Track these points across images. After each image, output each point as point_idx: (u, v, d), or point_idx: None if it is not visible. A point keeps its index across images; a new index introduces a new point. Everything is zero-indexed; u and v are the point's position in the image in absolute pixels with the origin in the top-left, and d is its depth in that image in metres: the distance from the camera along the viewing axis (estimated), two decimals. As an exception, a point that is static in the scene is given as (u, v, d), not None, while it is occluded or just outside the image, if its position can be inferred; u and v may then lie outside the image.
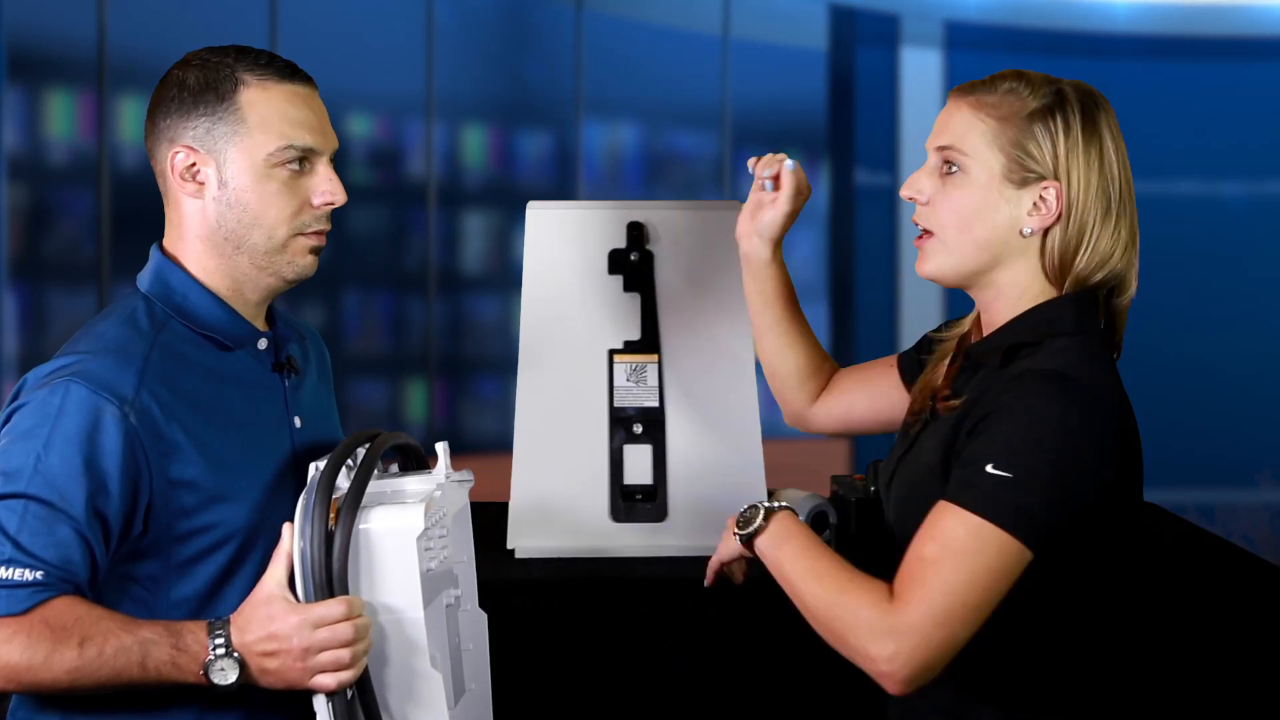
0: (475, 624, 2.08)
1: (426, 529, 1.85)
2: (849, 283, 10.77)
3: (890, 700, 1.97)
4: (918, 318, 10.88)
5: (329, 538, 1.80)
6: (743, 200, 2.31)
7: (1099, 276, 1.91)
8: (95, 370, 1.85)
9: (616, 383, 2.62)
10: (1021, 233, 1.90)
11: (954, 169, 1.91)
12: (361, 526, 1.83)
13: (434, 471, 1.98)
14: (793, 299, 2.31)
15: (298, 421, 2.00)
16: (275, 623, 1.79)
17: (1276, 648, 2.37)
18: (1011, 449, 1.77)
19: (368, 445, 1.91)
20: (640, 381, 2.62)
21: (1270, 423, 10.61)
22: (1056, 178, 1.89)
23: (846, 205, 10.79)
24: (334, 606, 1.79)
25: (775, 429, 2.61)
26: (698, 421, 2.63)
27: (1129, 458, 1.84)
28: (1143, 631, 1.95)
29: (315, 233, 1.96)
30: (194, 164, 1.94)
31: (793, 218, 2.26)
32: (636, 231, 2.64)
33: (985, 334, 1.96)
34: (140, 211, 7.36)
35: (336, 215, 2.00)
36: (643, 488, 2.61)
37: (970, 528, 1.76)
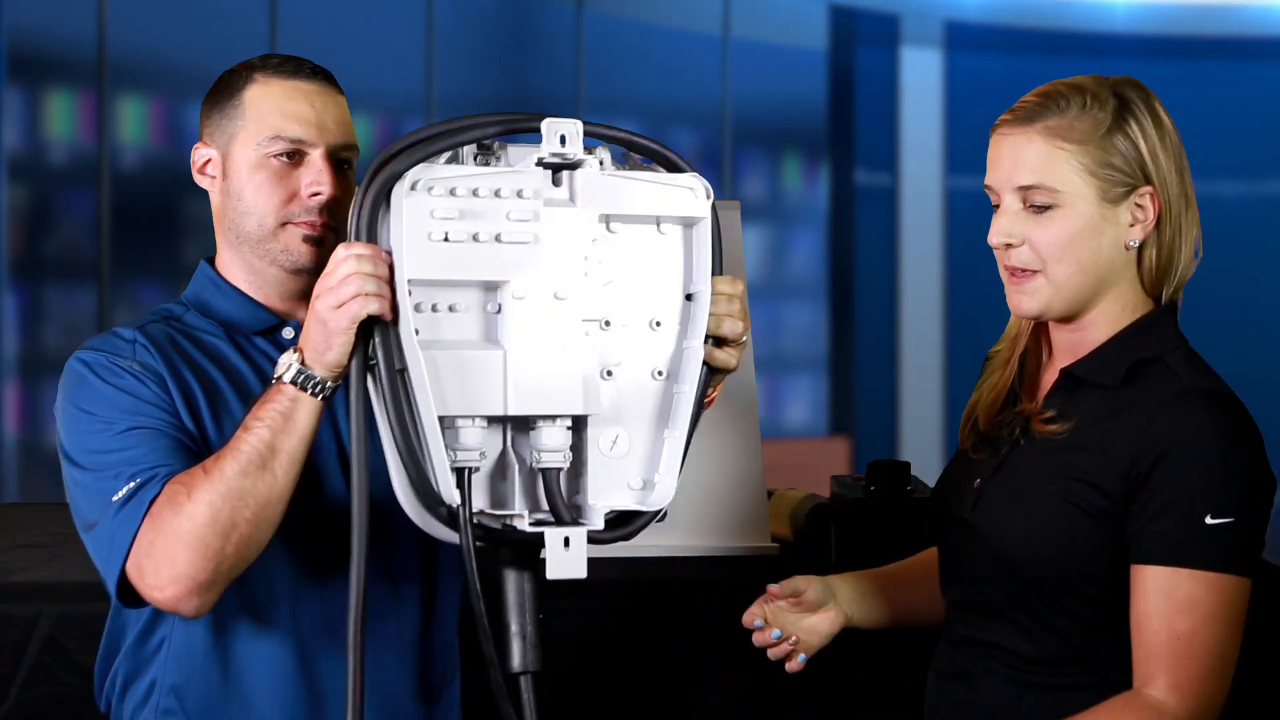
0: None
1: (450, 192, 1.71)
2: (849, 283, 10.76)
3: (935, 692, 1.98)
4: (918, 318, 10.88)
5: (374, 219, 1.72)
6: (742, 200, 2.31)
7: (1189, 275, 1.88)
8: (94, 344, 1.97)
9: (616, 383, 2.62)
10: (1127, 247, 1.84)
11: (1044, 204, 1.82)
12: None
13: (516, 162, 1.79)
14: (886, 579, 2.14)
15: None
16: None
17: (1277, 647, 2.36)
18: (1221, 491, 1.75)
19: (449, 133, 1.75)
20: (640, 381, 2.61)
21: (1270, 423, 10.61)
22: (1149, 181, 1.83)
23: (846, 205, 10.79)
24: (336, 252, 1.75)
25: (775, 429, 2.61)
26: (698, 421, 2.63)
27: None
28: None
29: (306, 222, 1.98)
30: (208, 159, 2.02)
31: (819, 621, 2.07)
32: (636, 231, 2.63)
33: (1078, 354, 1.89)
34: (140, 211, 7.35)
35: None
36: (643, 488, 2.61)
37: (1214, 586, 1.76)
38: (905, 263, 10.96)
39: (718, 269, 1.80)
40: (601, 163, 1.78)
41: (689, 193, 1.78)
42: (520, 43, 9.37)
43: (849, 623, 2.06)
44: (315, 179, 1.97)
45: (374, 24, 8.33)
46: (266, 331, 2.02)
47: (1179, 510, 1.76)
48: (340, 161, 2.01)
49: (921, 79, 11.04)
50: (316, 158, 1.98)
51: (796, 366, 10.33)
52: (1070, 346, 1.90)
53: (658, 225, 1.78)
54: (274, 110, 1.98)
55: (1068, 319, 1.88)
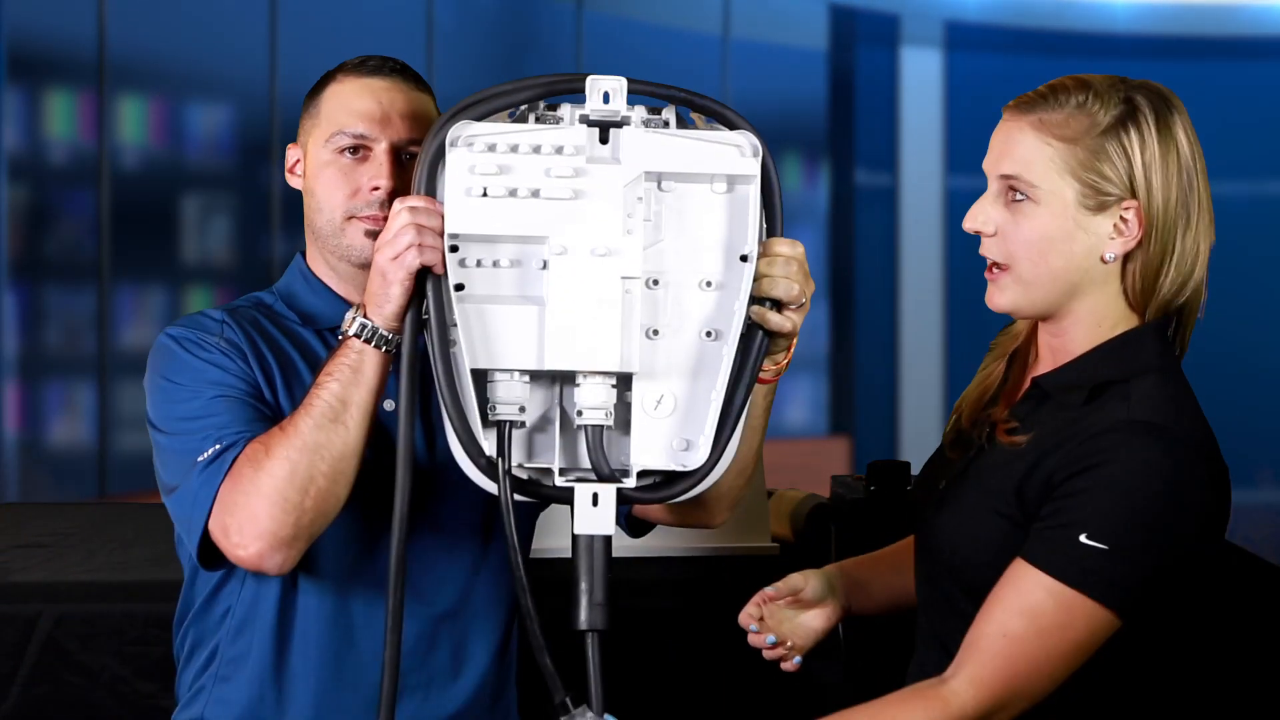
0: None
1: (489, 148, 1.71)
2: (849, 283, 10.77)
3: None
4: (918, 318, 10.89)
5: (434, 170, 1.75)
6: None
7: (1183, 298, 1.78)
8: (183, 322, 2.04)
9: (616, 383, 2.62)
10: (1103, 259, 1.75)
11: (1020, 197, 1.76)
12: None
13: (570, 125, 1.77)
14: (880, 563, 2.11)
15: (388, 405, 2.00)
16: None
17: (1277, 647, 2.37)
18: (1108, 518, 1.67)
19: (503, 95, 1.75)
20: (640, 381, 2.61)
21: (1270, 422, 10.61)
22: (1135, 196, 1.74)
23: (846, 205, 10.80)
24: (394, 206, 1.77)
25: (775, 429, 2.60)
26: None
27: (1221, 502, 1.74)
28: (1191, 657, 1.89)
29: (369, 216, 2.01)
30: (296, 159, 2.09)
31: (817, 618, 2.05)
32: (636, 231, 2.63)
33: (1057, 361, 1.82)
34: (140, 211, 7.35)
35: None
36: (643, 488, 2.61)
37: (1061, 600, 1.68)
38: (905, 263, 10.97)
39: (776, 229, 1.76)
40: (667, 123, 1.76)
41: (735, 150, 1.73)
42: (520, 43, 9.37)
43: (849, 612, 2.04)
44: (375, 173, 2.00)
45: (374, 25, 8.33)
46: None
47: (1060, 520, 1.69)
48: (409, 156, 2.02)
49: (921, 79, 11.05)
50: (379, 152, 2.01)
51: (796, 366, 10.27)
52: (1051, 352, 1.84)
53: (711, 184, 1.75)
54: (341, 108, 2.02)
55: (1046, 319, 1.82)
